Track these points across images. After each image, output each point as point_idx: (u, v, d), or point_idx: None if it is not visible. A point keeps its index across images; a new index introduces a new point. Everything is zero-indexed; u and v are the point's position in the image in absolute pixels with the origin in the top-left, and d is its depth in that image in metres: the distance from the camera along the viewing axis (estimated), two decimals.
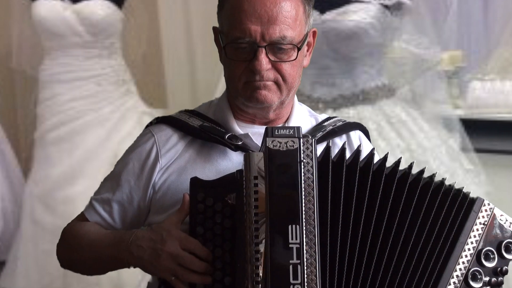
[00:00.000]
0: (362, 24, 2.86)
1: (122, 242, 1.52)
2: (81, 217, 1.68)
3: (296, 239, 1.38)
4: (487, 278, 1.49)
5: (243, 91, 1.56)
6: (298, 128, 1.44)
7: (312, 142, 1.43)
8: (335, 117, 1.74)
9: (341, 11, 2.89)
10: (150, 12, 3.84)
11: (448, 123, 3.12)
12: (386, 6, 2.91)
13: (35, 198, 3.61)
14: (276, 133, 1.43)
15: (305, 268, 1.37)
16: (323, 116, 1.73)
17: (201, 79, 3.87)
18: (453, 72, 3.57)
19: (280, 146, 1.41)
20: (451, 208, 1.50)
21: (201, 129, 1.60)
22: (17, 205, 3.83)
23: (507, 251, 1.51)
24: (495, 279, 1.49)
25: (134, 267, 1.53)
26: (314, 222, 1.39)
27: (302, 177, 1.41)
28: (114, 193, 1.63)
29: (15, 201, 3.88)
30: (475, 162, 3.08)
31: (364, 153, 1.62)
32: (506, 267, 1.50)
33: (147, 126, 1.69)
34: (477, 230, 1.50)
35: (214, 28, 1.62)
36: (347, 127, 1.70)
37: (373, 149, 1.57)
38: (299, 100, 1.71)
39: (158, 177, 1.60)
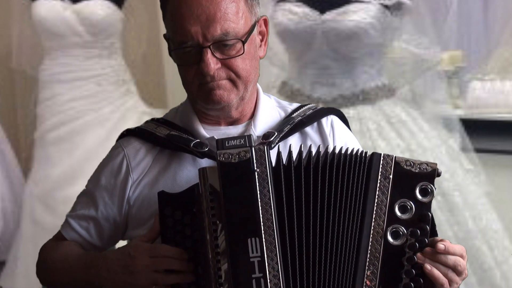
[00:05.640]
0: (362, 24, 2.86)
1: (92, 267, 1.50)
2: (59, 235, 1.66)
3: (257, 252, 1.35)
4: (409, 230, 1.40)
5: (198, 95, 1.52)
6: (249, 136, 1.41)
7: (264, 149, 1.40)
8: (307, 104, 1.68)
9: (341, 11, 2.89)
10: (150, 12, 3.83)
11: (448, 123, 3.12)
12: (386, 6, 2.91)
13: (35, 198, 3.61)
14: (226, 144, 1.40)
15: (269, 281, 1.35)
16: (294, 106, 1.68)
17: None
18: (453, 72, 3.57)
19: (232, 158, 1.38)
20: (352, 177, 1.44)
21: (168, 138, 1.56)
22: (17, 205, 3.83)
23: (424, 194, 1.42)
24: (418, 229, 1.40)
25: None
26: (274, 232, 1.36)
27: (257, 187, 1.38)
28: (89, 209, 1.61)
29: (15, 201, 3.88)
30: (475, 162, 3.08)
31: (340, 139, 1.61)
32: (428, 212, 1.41)
33: (118, 139, 1.66)
34: (384, 186, 1.42)
35: (164, 36, 1.58)
36: (317, 115, 1.64)
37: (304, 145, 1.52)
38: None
39: (131, 192, 1.57)
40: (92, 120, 3.62)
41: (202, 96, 1.52)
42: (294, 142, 1.56)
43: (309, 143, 1.56)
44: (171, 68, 3.90)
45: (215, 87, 1.50)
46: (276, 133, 1.54)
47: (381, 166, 1.43)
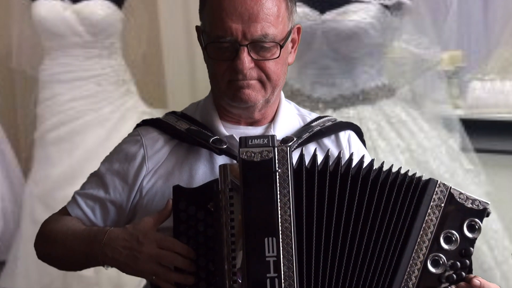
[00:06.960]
0: (362, 24, 2.86)
1: (95, 242, 1.50)
2: (63, 211, 1.67)
3: (273, 252, 1.36)
4: (450, 262, 1.42)
5: (226, 91, 1.54)
6: (273, 136, 1.42)
7: (287, 150, 1.40)
8: (326, 116, 1.71)
9: (341, 11, 2.89)
10: (150, 12, 3.84)
11: (448, 123, 3.12)
12: (386, 6, 2.91)
13: (35, 198, 3.61)
14: (250, 143, 1.40)
15: (283, 281, 1.35)
16: (313, 116, 1.70)
17: (201, 79, 3.86)
18: (453, 72, 3.57)
19: (254, 157, 1.39)
20: (404, 198, 1.45)
21: (187, 132, 1.57)
22: (17, 205, 3.82)
23: (471, 230, 1.43)
24: (459, 262, 1.42)
25: (111, 267, 1.52)
26: (291, 233, 1.37)
27: (278, 188, 1.38)
28: (98, 190, 1.62)
29: (15, 201, 3.88)
30: (475, 162, 3.08)
31: (355, 155, 1.59)
32: (471, 248, 1.43)
33: (136, 127, 1.67)
34: (434, 213, 1.43)
35: (197, 27, 1.59)
36: (336, 127, 1.67)
37: (342, 152, 1.51)
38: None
39: (145, 182, 1.58)
40: (92, 120, 3.62)
41: (230, 93, 1.54)
42: (312, 150, 1.55)
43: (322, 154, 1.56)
44: (171, 68, 3.90)
45: (244, 86, 1.52)
46: (295, 139, 1.55)
47: (435, 193, 1.45)
